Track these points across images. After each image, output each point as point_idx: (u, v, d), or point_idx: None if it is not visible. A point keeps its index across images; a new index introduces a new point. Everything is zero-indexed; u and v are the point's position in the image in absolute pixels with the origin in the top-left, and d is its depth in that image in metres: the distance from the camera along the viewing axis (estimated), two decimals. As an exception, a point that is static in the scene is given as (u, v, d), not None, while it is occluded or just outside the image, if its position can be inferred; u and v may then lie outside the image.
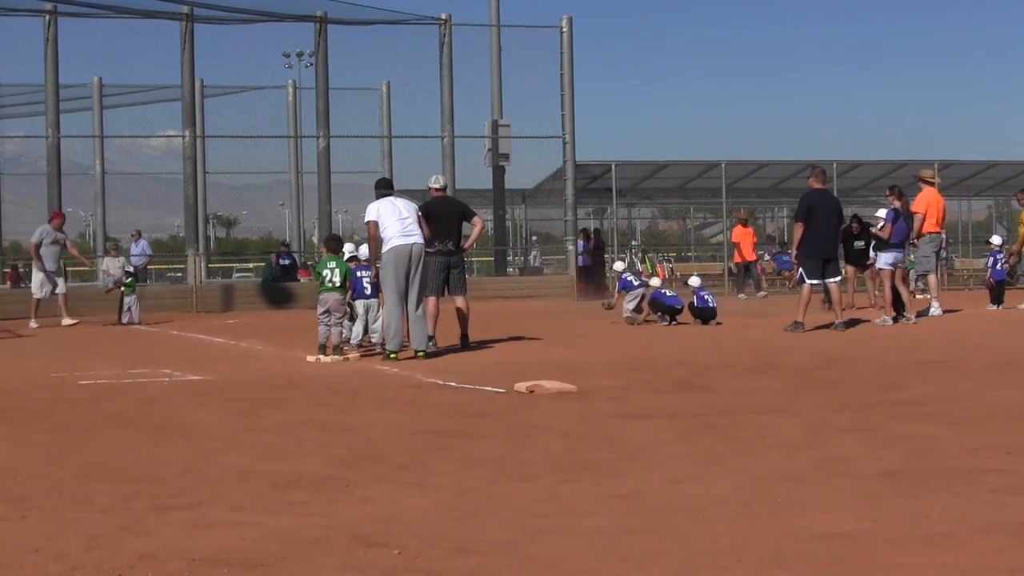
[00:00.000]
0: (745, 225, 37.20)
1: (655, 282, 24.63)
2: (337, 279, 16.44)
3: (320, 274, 16.65)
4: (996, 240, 26.85)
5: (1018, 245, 25.90)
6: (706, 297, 22.34)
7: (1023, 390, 11.91)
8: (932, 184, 23.32)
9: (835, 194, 24.56)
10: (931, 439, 8.88)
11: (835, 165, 38.43)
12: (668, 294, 23.11)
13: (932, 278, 23.06)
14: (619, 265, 26.51)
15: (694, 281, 23.33)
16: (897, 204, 21.76)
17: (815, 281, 19.86)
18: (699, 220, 66.34)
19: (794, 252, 20.35)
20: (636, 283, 23.55)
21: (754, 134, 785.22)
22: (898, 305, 21.28)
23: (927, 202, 22.66)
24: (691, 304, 22.26)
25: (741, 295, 35.08)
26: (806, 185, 21.06)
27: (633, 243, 47.38)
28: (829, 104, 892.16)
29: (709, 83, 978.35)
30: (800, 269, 20.11)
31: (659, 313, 22.39)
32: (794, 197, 28.71)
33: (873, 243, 22.18)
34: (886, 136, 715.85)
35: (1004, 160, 46.26)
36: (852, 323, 20.35)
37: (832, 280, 19.98)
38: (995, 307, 24.99)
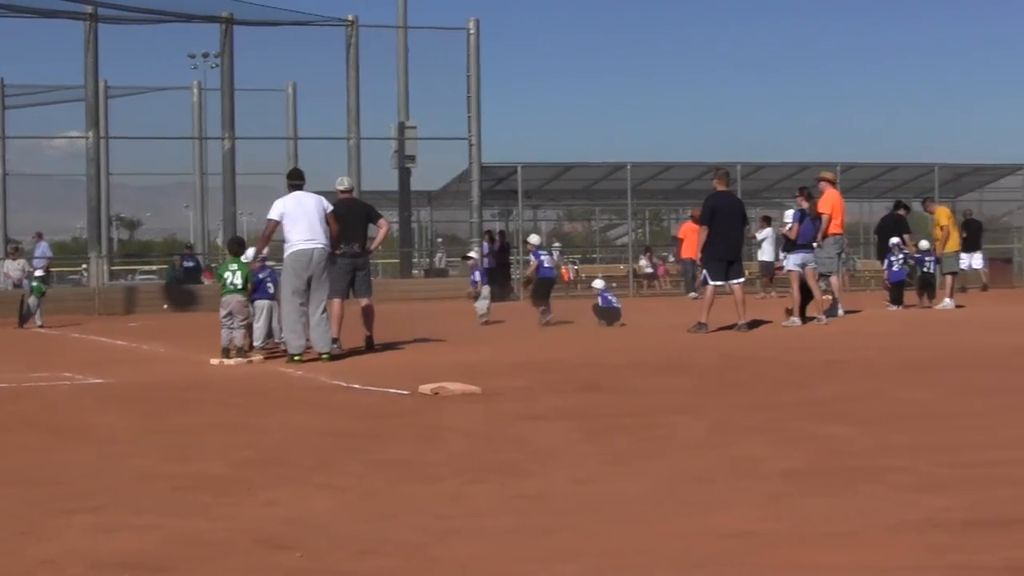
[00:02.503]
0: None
1: (534, 240, 24.63)
2: (239, 281, 16.31)
3: (222, 276, 16.52)
4: (895, 240, 27.06)
5: (939, 245, 26.79)
6: (610, 298, 22.38)
7: (927, 389, 12.03)
8: (834, 186, 23.54)
9: (739, 196, 24.75)
10: (837, 438, 8.95)
11: (739, 167, 38.70)
12: (546, 264, 23.07)
13: (835, 279, 23.24)
14: (474, 254, 26.61)
15: (598, 284, 23.31)
16: (804, 205, 21.91)
17: (719, 283, 19.96)
18: (604, 222, 66.32)
19: (699, 254, 20.45)
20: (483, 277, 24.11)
21: (658, 136, 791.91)
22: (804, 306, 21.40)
23: (832, 203, 22.86)
24: (595, 305, 22.28)
25: (692, 293, 34.53)
26: (710, 187, 21.17)
27: (556, 244, 47.22)
28: (731, 106, 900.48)
29: (613, 85, 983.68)
30: (704, 271, 20.23)
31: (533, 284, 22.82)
32: (699, 199, 28.82)
33: (782, 244, 22.31)
34: (788, 138, 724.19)
35: (905, 163, 46.84)
36: (755, 324, 20.48)
37: (736, 281, 20.08)
38: (895, 307, 25.28)
